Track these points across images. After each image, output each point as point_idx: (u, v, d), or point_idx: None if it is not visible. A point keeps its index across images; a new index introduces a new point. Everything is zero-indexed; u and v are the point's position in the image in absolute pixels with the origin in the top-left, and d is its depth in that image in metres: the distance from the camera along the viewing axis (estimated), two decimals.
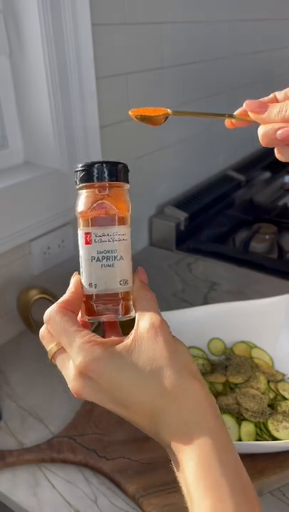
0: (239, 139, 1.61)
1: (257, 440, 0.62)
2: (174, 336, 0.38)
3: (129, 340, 0.37)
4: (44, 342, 0.41)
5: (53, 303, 0.84)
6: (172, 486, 0.58)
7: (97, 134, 0.93)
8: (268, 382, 0.70)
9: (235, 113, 0.45)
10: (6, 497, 0.60)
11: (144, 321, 0.38)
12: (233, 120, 0.45)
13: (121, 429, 0.67)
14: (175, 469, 0.36)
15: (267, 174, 1.68)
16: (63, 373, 0.38)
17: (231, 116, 0.45)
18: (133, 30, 0.98)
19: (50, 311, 0.39)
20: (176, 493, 0.58)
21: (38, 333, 0.87)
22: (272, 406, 0.67)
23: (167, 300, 0.99)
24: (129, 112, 0.45)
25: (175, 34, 1.11)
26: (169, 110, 0.45)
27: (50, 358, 0.40)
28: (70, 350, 0.37)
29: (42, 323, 0.92)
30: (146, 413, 0.35)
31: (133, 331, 0.38)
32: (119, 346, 0.36)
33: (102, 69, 0.92)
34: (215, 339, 0.79)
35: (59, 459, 0.63)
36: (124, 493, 0.59)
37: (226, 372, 0.72)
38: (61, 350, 0.39)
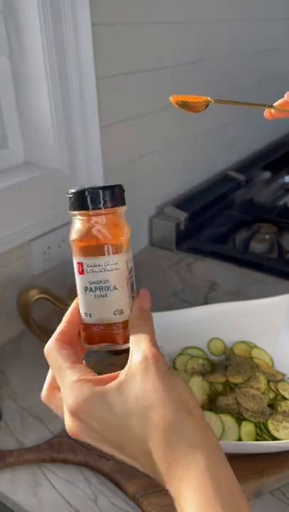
0: (239, 139, 1.61)
1: (257, 440, 0.62)
2: (169, 368, 0.36)
3: (122, 376, 0.35)
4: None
5: (52, 303, 0.84)
6: None
7: (97, 133, 0.93)
8: (268, 382, 0.70)
9: (276, 104, 0.45)
10: (6, 497, 0.60)
11: (136, 354, 0.36)
12: (273, 111, 0.45)
13: None
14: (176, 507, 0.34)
15: (267, 174, 1.68)
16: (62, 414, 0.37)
17: (271, 106, 0.45)
18: (133, 30, 0.98)
19: (48, 347, 0.39)
20: None
21: (38, 333, 0.87)
22: (272, 406, 0.67)
23: (167, 300, 0.99)
24: (170, 98, 0.45)
25: (175, 34, 1.11)
26: (210, 98, 0.45)
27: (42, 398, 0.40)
28: (63, 390, 0.36)
29: (42, 323, 0.92)
30: (140, 453, 0.34)
31: (126, 366, 0.36)
32: (111, 384, 0.35)
33: (102, 69, 0.92)
34: (215, 339, 0.79)
35: (59, 458, 0.63)
36: (124, 493, 0.59)
37: (225, 372, 0.72)
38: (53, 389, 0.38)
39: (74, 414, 0.34)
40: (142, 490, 0.58)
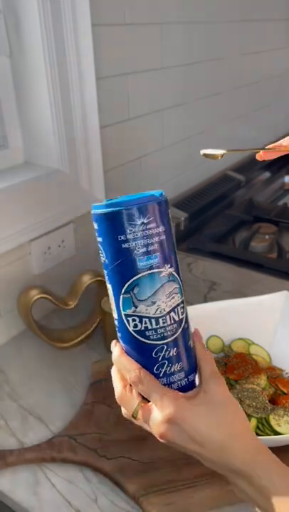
0: (238, 139, 1.61)
1: (258, 435, 0.62)
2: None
3: (201, 390, 0.45)
4: (124, 403, 0.47)
5: (53, 302, 0.84)
6: (172, 486, 0.58)
7: (98, 134, 0.93)
8: (267, 377, 0.71)
9: (269, 146, 0.58)
10: (7, 496, 0.60)
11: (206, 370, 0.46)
12: (262, 153, 0.59)
13: (121, 429, 0.67)
14: (246, 488, 0.42)
15: (266, 174, 1.68)
16: (146, 423, 0.45)
17: (263, 149, 0.58)
18: (133, 31, 0.98)
19: (138, 374, 0.45)
20: (175, 493, 0.58)
21: (39, 333, 0.87)
22: (272, 401, 0.68)
23: None
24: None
25: (175, 34, 1.11)
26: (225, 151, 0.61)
27: (131, 415, 0.46)
28: (159, 404, 0.44)
29: (42, 323, 0.92)
30: (217, 449, 0.43)
31: (202, 382, 0.46)
32: (198, 397, 0.45)
33: (102, 69, 0.92)
34: (213, 337, 0.80)
35: (59, 458, 0.63)
36: (125, 493, 0.59)
37: (225, 369, 0.73)
38: (144, 406, 0.45)
39: (170, 420, 0.43)
40: (142, 489, 0.58)
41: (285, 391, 0.69)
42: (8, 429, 0.69)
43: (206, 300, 0.99)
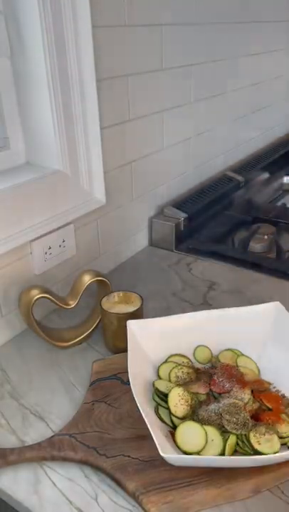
0: (238, 140, 1.62)
1: (236, 452, 0.60)
2: None
3: None
4: None
5: (53, 302, 0.85)
6: (171, 484, 0.59)
7: (98, 134, 0.94)
8: (252, 391, 0.68)
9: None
10: (7, 495, 0.61)
11: None
12: None
13: (121, 427, 0.67)
14: None
15: (265, 175, 1.68)
16: None
17: None
18: (133, 32, 0.98)
19: None
20: (175, 491, 0.59)
21: (39, 332, 0.88)
22: (256, 417, 0.65)
23: (167, 299, 1.00)
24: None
25: (175, 36, 1.11)
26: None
27: None
28: None
29: (43, 322, 0.93)
30: None
31: None
32: None
33: (103, 70, 0.93)
34: (201, 346, 0.77)
35: (60, 456, 0.64)
36: (124, 491, 0.60)
37: (210, 381, 0.70)
38: None
39: None
40: (141, 487, 0.58)
41: (270, 406, 0.66)
42: (9, 427, 0.70)
43: (205, 300, 0.99)
